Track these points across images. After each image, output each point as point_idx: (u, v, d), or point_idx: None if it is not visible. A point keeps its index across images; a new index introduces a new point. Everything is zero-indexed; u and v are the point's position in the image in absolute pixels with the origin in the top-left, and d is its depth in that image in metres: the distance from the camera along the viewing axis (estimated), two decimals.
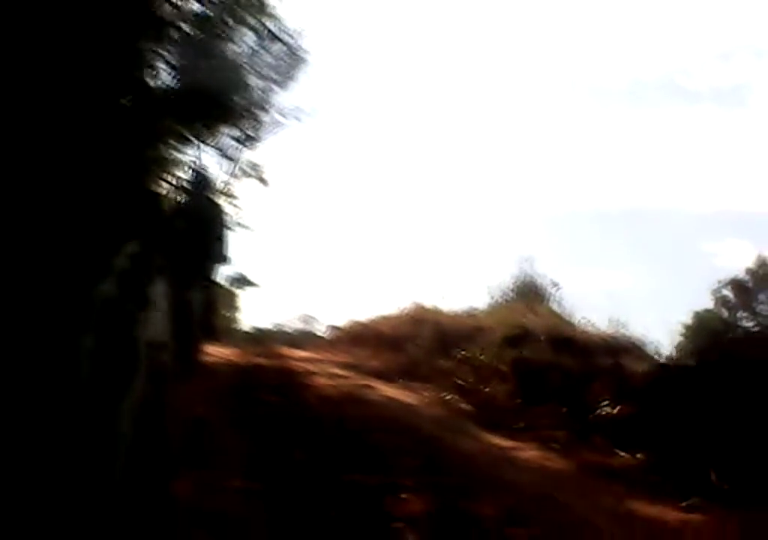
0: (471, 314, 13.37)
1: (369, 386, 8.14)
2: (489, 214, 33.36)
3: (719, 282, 19.18)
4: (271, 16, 10.72)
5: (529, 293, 13.82)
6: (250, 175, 13.39)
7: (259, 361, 8.15)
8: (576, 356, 8.82)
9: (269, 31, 10.83)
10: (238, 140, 12.11)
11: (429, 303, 13.54)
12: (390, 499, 3.97)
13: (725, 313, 18.05)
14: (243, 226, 13.54)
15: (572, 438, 6.38)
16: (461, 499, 4.16)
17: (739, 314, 18.69)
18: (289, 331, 18.11)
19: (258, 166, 13.40)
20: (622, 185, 32.83)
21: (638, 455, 5.88)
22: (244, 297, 18.69)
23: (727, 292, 19.18)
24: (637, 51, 35.23)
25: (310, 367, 9.00)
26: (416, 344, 11.10)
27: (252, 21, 10.59)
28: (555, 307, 13.20)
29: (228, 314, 18.14)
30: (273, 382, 6.78)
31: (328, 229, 31.91)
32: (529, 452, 6.13)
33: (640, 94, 35.14)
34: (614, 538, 4.15)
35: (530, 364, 8.42)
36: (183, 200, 6.26)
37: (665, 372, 7.59)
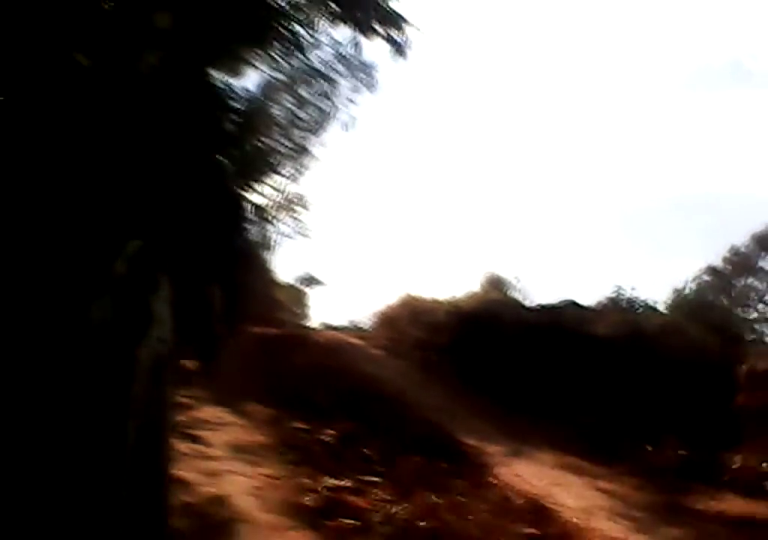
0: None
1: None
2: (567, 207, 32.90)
3: None
4: None
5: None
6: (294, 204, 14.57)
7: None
8: None
9: None
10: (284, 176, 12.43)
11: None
12: None
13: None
14: (303, 235, 14.99)
15: None
16: None
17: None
18: (363, 326, 18.30)
19: (302, 197, 14.44)
20: (696, 173, 32.28)
21: None
22: (314, 295, 20.99)
23: None
24: (704, 36, 34.74)
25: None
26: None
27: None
28: None
29: (298, 311, 19.74)
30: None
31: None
32: None
33: (708, 78, 34.69)
34: None
35: None
36: (198, 195, 5.65)
37: None
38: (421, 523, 5.01)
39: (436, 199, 37.40)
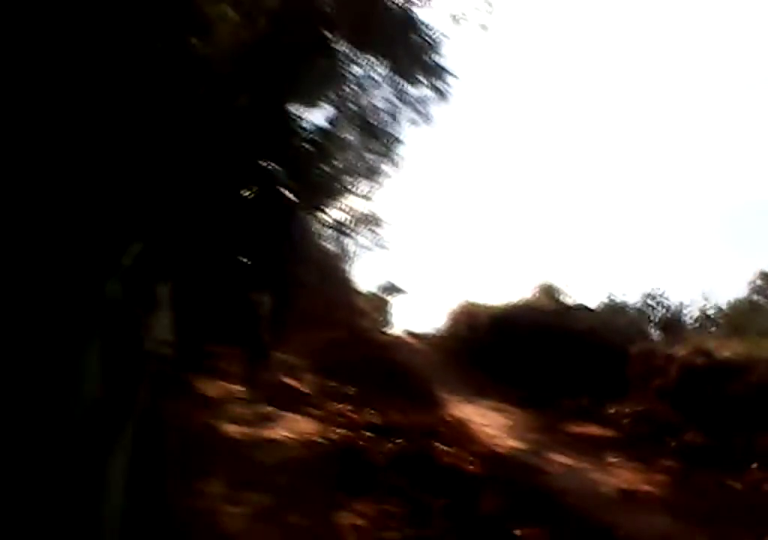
0: None
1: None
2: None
3: None
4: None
5: None
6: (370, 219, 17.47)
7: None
8: None
9: None
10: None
11: None
12: None
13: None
14: (381, 247, 18.09)
15: None
16: None
17: None
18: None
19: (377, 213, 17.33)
20: None
21: None
22: (397, 303, 23.23)
23: None
24: None
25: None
26: None
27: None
28: None
29: (380, 318, 21.77)
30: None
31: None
32: None
33: None
34: None
35: None
36: (252, 205, 5.99)
37: None
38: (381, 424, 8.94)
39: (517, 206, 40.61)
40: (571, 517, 5.35)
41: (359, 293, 21.07)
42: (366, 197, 14.87)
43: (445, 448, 7.19)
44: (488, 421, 9.70)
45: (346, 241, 18.50)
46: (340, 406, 9.68)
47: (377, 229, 17.79)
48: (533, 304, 17.12)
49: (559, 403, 10.76)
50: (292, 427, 7.06)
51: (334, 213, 15.62)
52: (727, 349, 9.38)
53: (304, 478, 4.96)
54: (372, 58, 11.08)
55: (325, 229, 16.56)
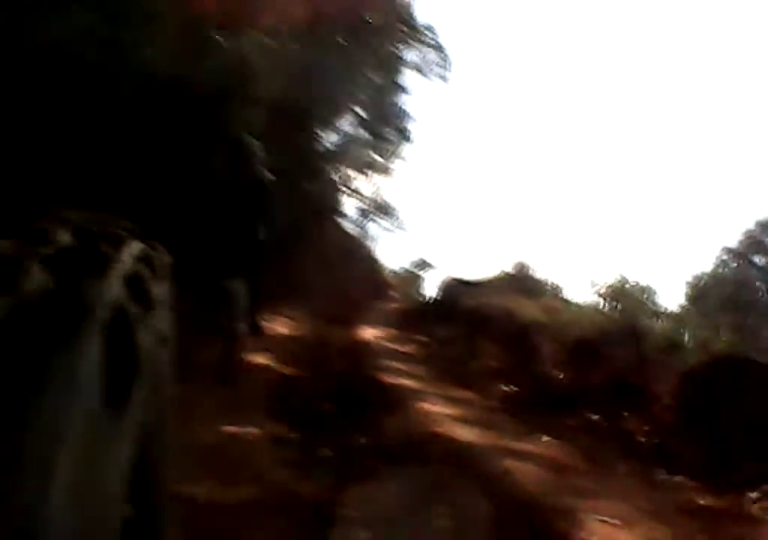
0: None
1: None
2: None
3: None
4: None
5: None
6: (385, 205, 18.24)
7: None
8: None
9: None
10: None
11: None
12: None
13: None
14: (400, 228, 18.66)
15: None
16: None
17: None
18: None
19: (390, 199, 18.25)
20: None
21: None
22: (429, 279, 23.81)
23: None
24: None
25: None
26: None
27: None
28: None
29: (414, 293, 22.04)
30: None
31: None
32: None
33: None
34: None
35: None
36: (220, 181, 5.59)
37: None
38: None
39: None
40: None
41: (384, 271, 22.46)
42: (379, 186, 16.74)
43: None
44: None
45: (365, 222, 19.39)
46: None
47: (394, 214, 18.73)
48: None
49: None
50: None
51: (348, 195, 17.03)
52: None
53: None
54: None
55: (340, 211, 17.49)
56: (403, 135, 15.43)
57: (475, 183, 44.03)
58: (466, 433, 5.03)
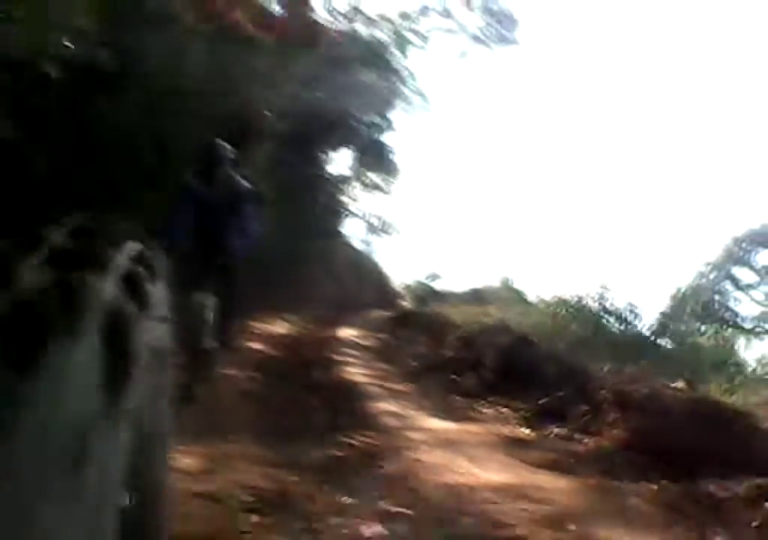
0: None
1: None
2: None
3: None
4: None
5: None
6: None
7: None
8: None
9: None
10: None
11: None
12: None
13: None
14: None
15: None
16: None
17: None
18: None
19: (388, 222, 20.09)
20: None
21: None
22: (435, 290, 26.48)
23: None
24: None
25: None
26: None
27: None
28: None
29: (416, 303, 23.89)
30: None
31: None
32: None
33: None
34: None
35: None
36: (190, 186, 5.01)
37: None
38: None
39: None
40: None
41: (388, 282, 25.06)
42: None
43: None
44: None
45: (369, 238, 21.35)
46: None
47: (392, 228, 20.84)
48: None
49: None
50: None
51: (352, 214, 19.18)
52: None
53: None
54: None
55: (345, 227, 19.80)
56: (391, 167, 18.10)
57: (469, 197, 47.36)
58: (364, 380, 8.68)
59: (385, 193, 18.69)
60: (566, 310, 14.60)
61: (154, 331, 0.76)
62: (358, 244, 21.18)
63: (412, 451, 5.30)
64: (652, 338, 15.52)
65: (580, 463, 5.57)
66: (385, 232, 20.54)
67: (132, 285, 0.71)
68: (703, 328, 17.97)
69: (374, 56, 14.86)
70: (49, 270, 0.65)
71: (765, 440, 5.70)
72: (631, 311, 14.94)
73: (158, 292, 0.79)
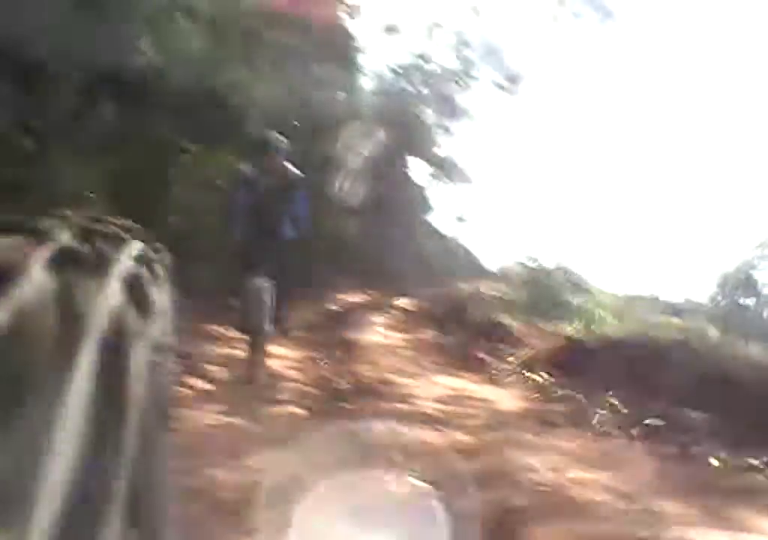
0: None
1: None
2: None
3: None
4: None
5: None
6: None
7: None
8: None
9: None
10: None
11: None
12: None
13: None
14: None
15: None
16: None
17: None
18: None
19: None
20: None
21: None
22: None
23: None
24: None
25: None
26: None
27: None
28: None
29: None
30: None
31: None
32: None
33: None
34: None
35: None
36: (246, 175, 5.23)
37: None
38: None
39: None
40: None
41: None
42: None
43: None
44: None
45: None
46: None
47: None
48: None
49: None
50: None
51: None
52: None
53: None
54: None
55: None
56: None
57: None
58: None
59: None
60: None
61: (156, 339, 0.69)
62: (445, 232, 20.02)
63: None
64: None
65: None
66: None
67: (135, 288, 0.66)
68: None
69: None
70: (54, 271, 0.59)
71: None
72: None
73: (162, 295, 0.75)
